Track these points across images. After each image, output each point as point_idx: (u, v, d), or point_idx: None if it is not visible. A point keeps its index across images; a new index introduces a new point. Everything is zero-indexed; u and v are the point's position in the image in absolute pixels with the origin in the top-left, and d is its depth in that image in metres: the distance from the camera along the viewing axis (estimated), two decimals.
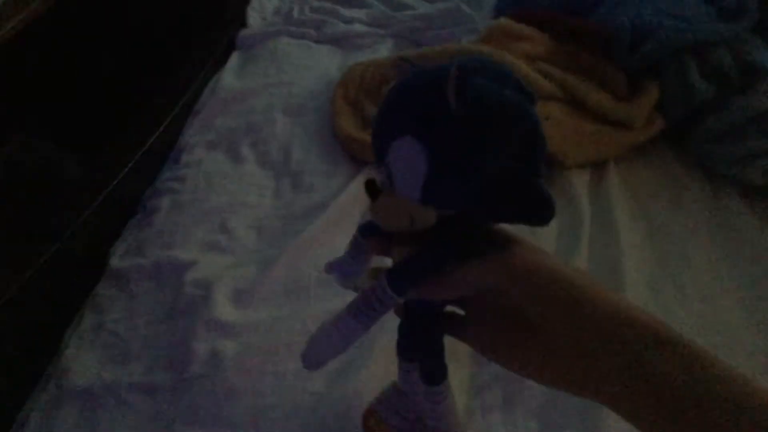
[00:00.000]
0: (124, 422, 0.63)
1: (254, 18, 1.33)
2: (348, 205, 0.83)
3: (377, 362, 0.63)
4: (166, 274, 0.77)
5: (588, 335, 0.30)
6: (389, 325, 0.43)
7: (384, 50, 1.20)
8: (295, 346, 0.66)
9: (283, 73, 1.14)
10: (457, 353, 0.41)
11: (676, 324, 0.65)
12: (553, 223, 0.81)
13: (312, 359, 0.38)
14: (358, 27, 1.27)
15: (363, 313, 0.36)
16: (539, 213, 0.32)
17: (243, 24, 1.30)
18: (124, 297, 0.76)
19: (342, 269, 0.45)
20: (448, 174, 0.30)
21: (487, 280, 0.34)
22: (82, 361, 0.69)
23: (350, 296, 0.63)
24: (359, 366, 0.63)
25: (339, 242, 0.80)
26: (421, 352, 0.44)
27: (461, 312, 0.42)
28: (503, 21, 1.01)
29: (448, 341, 0.43)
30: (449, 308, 0.43)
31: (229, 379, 0.63)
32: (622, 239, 0.75)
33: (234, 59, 1.21)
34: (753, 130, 0.83)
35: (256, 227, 0.84)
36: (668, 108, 0.90)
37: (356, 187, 0.85)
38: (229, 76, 1.15)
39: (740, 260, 0.73)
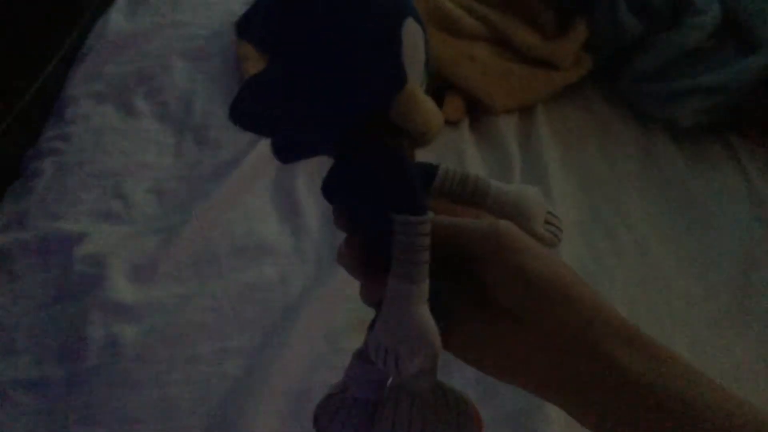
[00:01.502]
0: (13, 424, 0.58)
1: None
2: (261, 162, 0.78)
3: (300, 338, 0.60)
4: (52, 249, 0.71)
5: (566, 331, 0.29)
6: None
7: None
8: (206, 327, 0.62)
9: (180, 12, 1.09)
10: None
11: (612, 276, 0.66)
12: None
13: None
14: None
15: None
16: None
17: None
18: (6, 278, 0.70)
19: None
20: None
21: (475, 238, 0.31)
22: None
23: (270, 266, 0.55)
24: (280, 344, 0.60)
25: (252, 206, 0.78)
26: None
27: None
28: None
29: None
30: None
31: (130, 369, 0.59)
32: (554, 189, 0.74)
33: None
34: (681, 68, 0.83)
35: (155, 191, 0.78)
36: (597, 46, 0.88)
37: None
38: (117, 17, 1.07)
39: (672, 204, 0.73)
